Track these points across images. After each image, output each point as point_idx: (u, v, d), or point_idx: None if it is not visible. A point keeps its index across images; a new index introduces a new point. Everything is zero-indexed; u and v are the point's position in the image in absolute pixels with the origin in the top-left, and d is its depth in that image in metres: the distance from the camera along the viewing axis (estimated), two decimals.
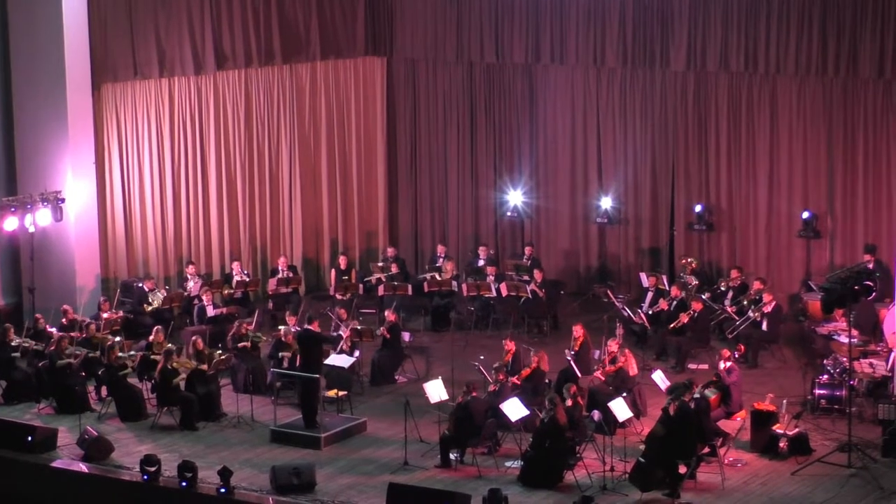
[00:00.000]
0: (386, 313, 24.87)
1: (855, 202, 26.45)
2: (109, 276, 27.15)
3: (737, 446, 20.73)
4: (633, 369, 22.31)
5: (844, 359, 21.92)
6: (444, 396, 21.43)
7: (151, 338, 23.61)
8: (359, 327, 24.40)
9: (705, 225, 27.66)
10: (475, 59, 29.68)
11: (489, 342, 25.57)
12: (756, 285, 25.34)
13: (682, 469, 19.38)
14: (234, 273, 27.23)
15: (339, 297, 27.11)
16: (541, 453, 19.82)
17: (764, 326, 24.66)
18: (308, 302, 28.25)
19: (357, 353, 23.88)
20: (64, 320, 24.61)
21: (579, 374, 22.49)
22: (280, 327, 24.30)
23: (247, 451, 21.33)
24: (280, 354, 23.50)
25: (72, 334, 23.72)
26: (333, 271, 28.29)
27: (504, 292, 26.65)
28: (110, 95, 26.97)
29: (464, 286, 27.09)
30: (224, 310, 25.88)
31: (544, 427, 19.93)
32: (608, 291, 26.36)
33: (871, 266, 24.40)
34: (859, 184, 26.36)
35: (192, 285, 26.67)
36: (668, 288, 25.98)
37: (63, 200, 25.47)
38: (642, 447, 19.77)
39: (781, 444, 20.54)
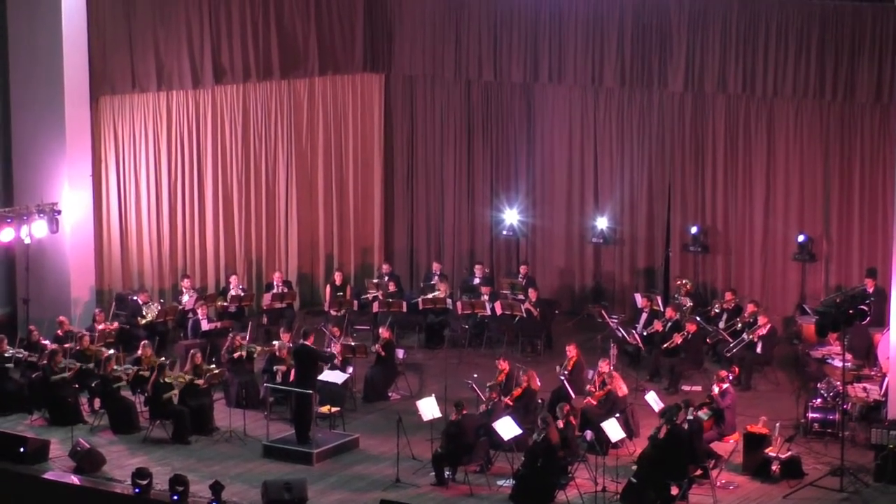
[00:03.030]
0: (380, 330, 24.86)
1: (851, 226, 26.50)
2: (104, 289, 27.04)
3: (729, 468, 20.68)
4: (622, 390, 22.26)
5: (838, 382, 21.89)
6: (437, 414, 21.36)
7: (139, 352, 23.49)
8: (352, 343, 24.35)
9: (701, 246, 27.65)
10: (473, 77, 29.63)
11: (483, 360, 25.52)
12: (750, 308, 25.28)
13: (674, 490, 19.34)
14: (231, 287, 27.14)
15: (333, 312, 27.05)
16: (533, 472, 19.76)
17: (758, 349, 24.60)
18: (302, 317, 28.19)
19: (350, 370, 23.84)
20: (59, 332, 24.51)
21: (573, 395, 22.45)
22: (274, 342, 24.23)
23: (239, 465, 21.27)
24: (275, 368, 23.45)
25: (66, 346, 23.61)
26: (328, 287, 28.16)
27: (499, 311, 26.58)
28: (108, 108, 26.88)
29: (458, 304, 27.02)
30: (218, 324, 25.81)
31: (537, 446, 19.88)
32: (602, 311, 26.28)
33: (870, 290, 24.36)
34: (855, 208, 26.43)
35: (187, 299, 26.58)
36: (662, 309, 25.93)
37: (59, 212, 25.37)
38: (634, 467, 19.76)
39: (774, 467, 20.48)
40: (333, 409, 22.67)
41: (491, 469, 20.85)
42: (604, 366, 22.41)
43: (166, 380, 22.46)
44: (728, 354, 24.58)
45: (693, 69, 27.36)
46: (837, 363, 22.71)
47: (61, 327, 24.62)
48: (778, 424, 21.00)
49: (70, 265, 26.25)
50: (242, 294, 27.09)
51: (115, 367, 22.98)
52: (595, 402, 22.12)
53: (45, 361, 23.13)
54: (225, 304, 26.73)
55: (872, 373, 23.16)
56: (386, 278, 28.04)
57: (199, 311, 25.86)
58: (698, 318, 25.29)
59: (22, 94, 26.29)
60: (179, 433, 22.20)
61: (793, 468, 20.52)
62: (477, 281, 28.07)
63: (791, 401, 23.10)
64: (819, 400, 22.09)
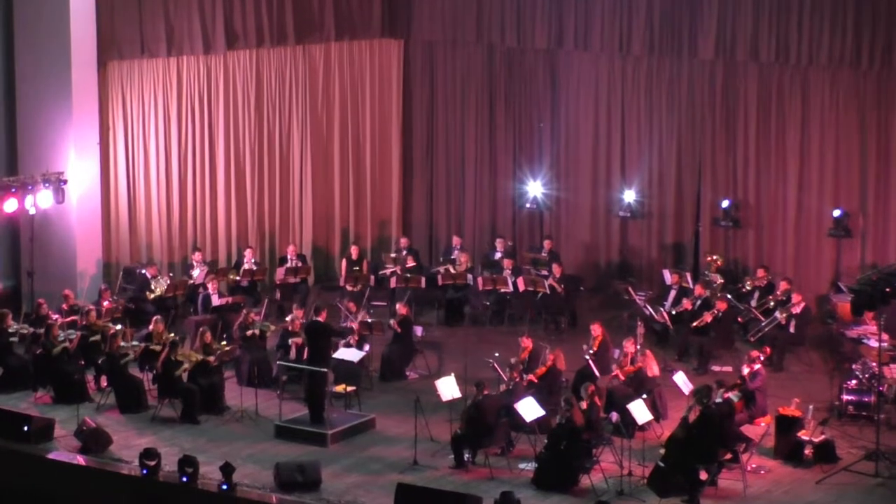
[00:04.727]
0: (397, 306, 24.68)
1: (888, 200, 26.16)
2: (111, 261, 27.23)
3: (760, 452, 20.42)
4: (653, 370, 22.03)
5: (874, 363, 21.66)
6: (457, 394, 21.16)
7: (151, 328, 23.43)
8: (369, 320, 24.14)
9: (732, 221, 27.41)
10: (495, 43, 29.45)
11: (504, 338, 25.27)
12: (783, 285, 25.07)
13: (703, 475, 19.13)
14: (244, 260, 26.98)
15: (349, 288, 26.86)
16: (556, 455, 19.58)
17: (791, 328, 24.38)
18: (317, 292, 28.18)
19: (367, 348, 23.66)
20: (64, 305, 24.42)
21: (598, 374, 22.19)
22: (287, 317, 24.05)
23: (250, 446, 21.13)
24: (289, 341, 23.26)
25: (69, 319, 23.56)
26: (344, 261, 28.01)
27: (521, 287, 26.39)
28: (116, 73, 27.04)
29: (479, 279, 26.89)
30: (230, 299, 25.66)
31: (560, 428, 19.71)
32: (629, 288, 26.16)
33: None
34: (893, 181, 26.10)
35: (198, 273, 26.44)
36: (691, 286, 25.70)
37: (65, 181, 25.37)
38: (662, 451, 19.49)
39: (806, 452, 20.30)
40: (349, 389, 22.49)
41: (512, 452, 20.71)
42: (629, 345, 22.22)
43: (177, 357, 22.34)
44: (752, 339, 24.33)
45: (724, 36, 27.12)
46: (873, 343, 22.45)
47: (66, 301, 24.52)
48: (811, 407, 20.79)
49: (76, 237, 26.29)
50: (255, 268, 26.93)
51: (121, 343, 22.89)
52: (623, 378, 21.94)
53: (43, 338, 23.13)
54: (237, 278, 26.61)
55: None
56: (404, 252, 27.95)
57: (209, 285, 25.75)
58: (729, 296, 25.14)
59: (27, 58, 26.24)
60: (189, 412, 22.06)
61: (826, 452, 20.28)
62: (499, 255, 27.99)
63: (825, 382, 22.91)
64: (854, 381, 21.91)
